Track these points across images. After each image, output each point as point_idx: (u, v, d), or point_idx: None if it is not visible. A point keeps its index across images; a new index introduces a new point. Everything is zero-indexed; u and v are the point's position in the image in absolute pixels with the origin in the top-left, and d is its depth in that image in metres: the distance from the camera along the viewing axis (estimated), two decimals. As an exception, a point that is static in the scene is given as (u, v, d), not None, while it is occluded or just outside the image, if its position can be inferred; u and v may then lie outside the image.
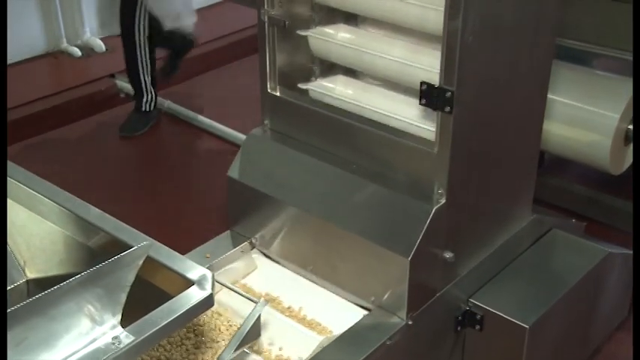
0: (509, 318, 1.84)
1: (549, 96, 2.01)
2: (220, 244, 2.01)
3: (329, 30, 1.93)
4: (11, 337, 1.12)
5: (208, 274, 1.36)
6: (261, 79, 1.96)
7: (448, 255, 1.77)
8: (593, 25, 2.44)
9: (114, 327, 1.26)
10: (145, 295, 1.31)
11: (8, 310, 1.11)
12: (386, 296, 1.77)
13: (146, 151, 3.38)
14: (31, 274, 1.60)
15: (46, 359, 1.18)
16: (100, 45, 4.02)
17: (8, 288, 1.56)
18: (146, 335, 1.24)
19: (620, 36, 2.36)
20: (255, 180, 1.97)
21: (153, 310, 1.27)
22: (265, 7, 1.87)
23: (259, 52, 1.94)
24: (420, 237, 1.69)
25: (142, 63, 3.29)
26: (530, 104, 1.91)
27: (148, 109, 3.43)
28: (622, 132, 2.27)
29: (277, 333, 1.76)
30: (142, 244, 1.29)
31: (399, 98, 1.86)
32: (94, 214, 1.48)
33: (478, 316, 1.88)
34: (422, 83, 1.64)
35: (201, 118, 3.52)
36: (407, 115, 1.79)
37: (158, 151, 3.39)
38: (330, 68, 2.00)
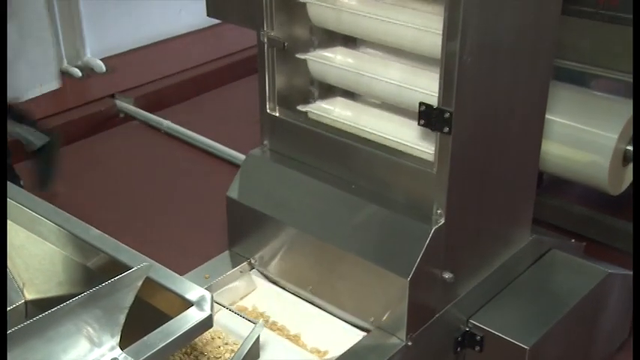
0: (509, 339, 1.83)
1: (547, 116, 2.02)
2: (219, 264, 2.01)
3: (327, 53, 1.95)
4: (10, 358, 1.11)
5: (207, 295, 1.35)
6: (260, 99, 1.97)
7: (447, 275, 1.77)
8: (590, 46, 2.46)
9: (112, 348, 1.26)
10: (143, 316, 1.30)
11: (7, 332, 1.11)
12: (385, 317, 1.76)
13: (145, 171, 3.38)
14: (30, 296, 1.60)
15: (44, 381, 1.18)
16: (100, 65, 4.04)
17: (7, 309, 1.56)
18: (145, 357, 1.23)
19: (617, 57, 2.37)
20: (255, 200, 1.97)
21: (151, 331, 1.27)
22: (265, 28, 1.89)
23: (259, 73, 1.95)
24: (420, 257, 1.69)
25: None
26: (528, 124, 1.92)
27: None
28: (620, 152, 2.27)
29: (276, 354, 1.75)
30: (142, 266, 1.29)
31: (398, 119, 1.87)
32: (94, 234, 1.48)
33: (478, 337, 1.87)
34: (421, 104, 1.65)
35: (200, 138, 3.53)
36: (406, 136, 1.80)
37: (157, 171, 3.39)
38: (329, 90, 2.01)
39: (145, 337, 1.26)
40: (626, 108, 2.26)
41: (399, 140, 1.80)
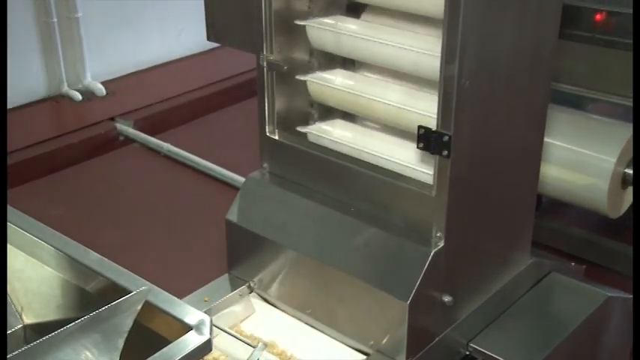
0: (509, 362, 1.82)
1: (546, 139, 2.02)
2: (219, 287, 2.01)
3: (327, 75, 1.96)
4: (8, 383, 1.11)
5: (206, 318, 1.35)
6: (260, 122, 1.98)
7: (447, 299, 1.77)
8: (587, 70, 2.48)
9: (111, 373, 1.25)
10: (142, 340, 1.30)
11: (6, 357, 1.10)
12: (385, 340, 1.75)
13: (145, 193, 3.38)
14: (29, 320, 1.59)
15: (42, 406, 1.17)
16: (100, 89, 4.06)
17: (5, 333, 1.55)
18: (144, 381, 1.22)
19: (613, 81, 2.39)
20: (254, 223, 1.97)
21: (150, 355, 1.26)
22: (264, 52, 1.90)
23: (258, 96, 1.96)
24: (419, 280, 1.69)
25: None
26: (527, 147, 1.93)
27: None
28: (619, 175, 2.28)
29: (275, 378, 1.74)
30: (141, 290, 1.29)
31: (397, 142, 1.88)
32: (93, 258, 1.48)
33: (478, 361, 1.86)
34: (419, 127, 1.65)
35: (200, 160, 3.54)
36: (405, 158, 1.80)
37: (157, 194, 3.39)
38: (329, 112, 2.02)
39: (144, 362, 1.25)
40: (624, 131, 2.27)
41: (398, 163, 1.80)
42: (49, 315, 1.55)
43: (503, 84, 1.73)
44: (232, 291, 1.98)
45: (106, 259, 1.49)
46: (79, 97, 4.00)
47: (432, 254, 1.70)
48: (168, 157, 3.64)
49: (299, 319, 1.93)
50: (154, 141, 3.75)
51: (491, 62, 1.67)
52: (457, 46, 1.54)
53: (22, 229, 1.56)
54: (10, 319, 1.58)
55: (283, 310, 1.97)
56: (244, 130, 3.65)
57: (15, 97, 3.75)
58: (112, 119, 3.85)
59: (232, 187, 3.26)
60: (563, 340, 1.91)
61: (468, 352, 1.88)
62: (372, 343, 1.78)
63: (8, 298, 1.58)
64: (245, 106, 4.10)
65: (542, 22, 1.77)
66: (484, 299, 1.92)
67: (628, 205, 2.39)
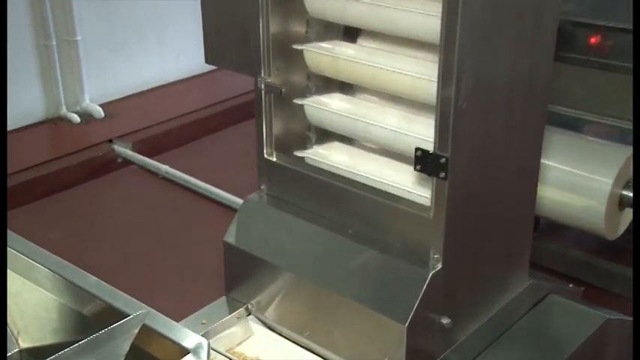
0: (508, 385, 1.81)
1: (543, 161, 2.03)
2: (216, 310, 2.00)
3: (324, 99, 1.97)
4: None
5: (204, 342, 1.35)
6: (258, 144, 1.99)
7: (445, 321, 1.76)
8: (582, 92, 2.49)
9: (108, 397, 1.25)
10: (139, 364, 1.29)
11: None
12: (383, 363, 1.75)
13: (143, 215, 3.38)
14: (25, 344, 1.58)
15: None
16: (98, 111, 4.07)
17: (1, 357, 1.54)
18: (140, 406, 1.22)
19: (608, 103, 2.41)
20: (252, 245, 1.97)
21: (147, 379, 1.26)
22: (262, 75, 1.91)
23: (256, 119, 1.97)
24: (417, 303, 1.68)
25: None
26: (524, 169, 1.93)
27: None
28: (616, 197, 2.28)
29: (273, 402, 1.73)
30: (138, 313, 1.28)
31: (394, 164, 1.88)
32: (90, 281, 1.48)
33: (477, 384, 1.85)
34: (417, 149, 1.66)
35: (198, 182, 3.54)
36: (402, 180, 1.81)
37: (155, 216, 3.39)
38: (326, 134, 2.03)
39: (141, 386, 1.24)
40: (620, 153, 2.28)
41: (395, 185, 1.81)
42: (46, 339, 1.54)
43: (500, 106, 1.74)
44: (230, 313, 1.97)
45: (103, 282, 1.48)
46: (77, 119, 4.01)
47: (429, 276, 1.70)
48: (167, 179, 3.64)
49: (297, 342, 1.92)
50: (152, 163, 3.76)
51: (487, 84, 1.68)
52: (454, 68, 1.55)
53: (18, 252, 1.56)
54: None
55: (281, 333, 1.96)
56: (242, 152, 3.66)
57: (13, 119, 3.75)
58: (110, 141, 3.86)
59: (230, 209, 3.26)
60: (563, 362, 1.90)
61: (466, 375, 1.87)
62: (370, 366, 1.77)
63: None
64: (243, 127, 4.12)
65: (538, 45, 1.79)
66: (482, 321, 1.92)
67: (626, 227, 2.39)
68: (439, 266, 1.71)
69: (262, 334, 1.97)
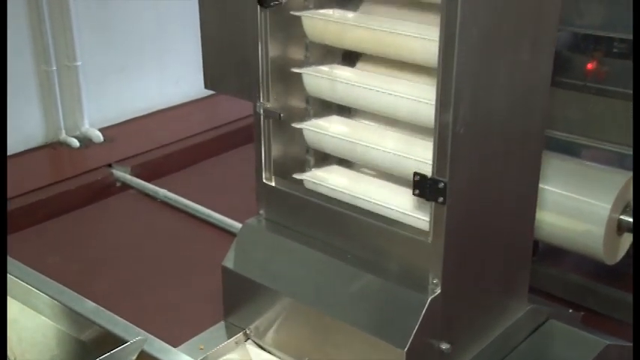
0: (508, 412, 1.80)
1: (541, 185, 2.03)
2: (214, 335, 1.99)
3: (323, 122, 1.97)
4: None
5: (202, 368, 1.34)
6: (256, 169, 1.99)
7: (444, 346, 1.75)
8: (579, 117, 2.51)
9: None
10: (137, 390, 1.28)
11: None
12: (382, 389, 1.73)
13: (142, 239, 3.37)
14: (22, 369, 1.58)
15: None
16: (98, 136, 4.08)
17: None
18: None
19: (605, 128, 2.42)
20: (250, 270, 1.97)
21: (145, 406, 1.25)
22: (261, 100, 1.92)
23: (255, 143, 1.97)
24: (416, 328, 1.67)
25: None
26: (522, 193, 1.93)
27: None
28: (614, 222, 2.28)
29: None
30: (137, 339, 1.28)
31: (393, 188, 1.88)
32: (88, 307, 1.48)
33: (477, 410, 1.84)
34: (415, 174, 1.66)
35: (196, 206, 3.53)
36: (401, 205, 1.81)
37: (154, 240, 3.38)
38: (325, 158, 2.03)
39: (138, 412, 1.23)
40: (618, 178, 2.28)
41: (394, 209, 1.81)
42: (43, 365, 1.53)
43: (498, 131, 1.75)
44: (228, 339, 1.96)
45: (102, 308, 1.48)
46: (76, 143, 4.01)
47: (428, 301, 1.69)
48: (165, 203, 3.64)
49: (295, 368, 1.91)
50: (150, 187, 3.75)
51: (485, 109, 1.68)
52: (451, 93, 1.56)
53: (17, 277, 1.55)
54: (3, 368, 1.56)
55: (280, 358, 1.95)
56: (241, 176, 3.65)
57: (13, 144, 3.76)
58: (109, 166, 3.86)
59: (229, 233, 3.26)
60: (563, 388, 1.89)
61: (466, 401, 1.85)
62: (369, 391, 1.76)
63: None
64: (242, 152, 4.12)
65: (535, 71, 1.80)
66: (482, 347, 1.91)
67: (625, 252, 2.39)
68: (438, 291, 1.71)
69: (261, 360, 1.96)
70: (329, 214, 1.89)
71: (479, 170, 1.73)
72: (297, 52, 1.95)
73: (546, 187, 2.28)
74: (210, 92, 4.50)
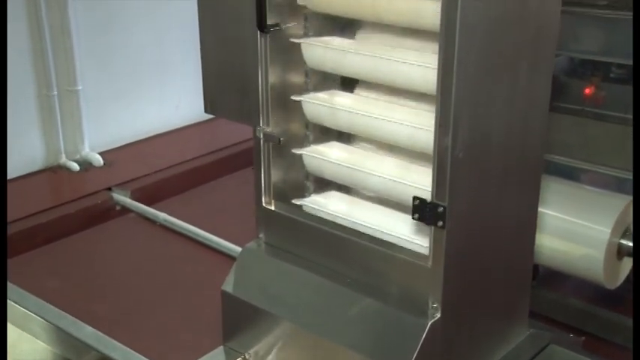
0: None
1: (540, 209, 2.03)
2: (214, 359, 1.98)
3: (322, 148, 1.98)
4: None
5: (201, 393, 1.33)
6: (256, 193, 2.00)
7: (445, 371, 1.75)
8: (577, 142, 2.52)
9: None
10: (135, 417, 1.28)
11: None
12: (382, 415, 1.72)
13: (141, 263, 3.36)
14: (19, 395, 1.57)
15: None
16: (98, 159, 4.09)
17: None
18: None
19: (603, 153, 2.43)
20: (250, 294, 1.96)
21: None
22: (261, 124, 1.93)
23: (254, 168, 1.98)
24: (416, 352, 1.67)
25: None
26: (521, 216, 1.94)
27: None
28: (614, 246, 2.28)
29: None
30: (134, 364, 1.27)
31: (392, 213, 1.89)
32: (87, 332, 1.47)
33: None
34: (414, 198, 1.67)
35: (196, 230, 3.53)
36: (400, 229, 1.81)
37: (153, 264, 3.37)
38: (324, 183, 2.04)
39: None
40: (617, 202, 2.29)
41: (393, 234, 1.81)
42: (41, 391, 1.52)
43: (497, 155, 1.76)
44: (227, 364, 1.95)
45: (101, 333, 1.47)
46: (76, 167, 4.02)
47: (428, 326, 1.69)
48: (165, 227, 3.64)
49: (295, 393, 1.90)
50: (150, 211, 3.75)
51: (484, 134, 1.69)
52: (450, 118, 1.57)
53: (14, 302, 1.55)
54: (0, 394, 1.55)
55: (279, 384, 1.94)
56: (241, 200, 3.65)
57: (13, 168, 3.77)
58: (109, 189, 3.86)
59: (228, 257, 3.25)
60: (564, 414, 1.88)
61: None
62: (369, 417, 1.75)
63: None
64: (241, 175, 4.12)
65: (533, 95, 1.81)
66: (482, 372, 1.90)
67: (625, 276, 2.39)
68: (438, 315, 1.70)
69: (260, 385, 1.95)
70: (329, 238, 1.89)
71: (478, 194, 1.73)
72: (296, 77, 1.96)
73: (546, 210, 2.28)
74: (210, 116, 4.52)
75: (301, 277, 1.91)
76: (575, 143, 2.52)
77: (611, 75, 2.59)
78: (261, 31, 1.84)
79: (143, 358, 1.37)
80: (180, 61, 4.45)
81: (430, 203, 1.64)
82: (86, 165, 4.07)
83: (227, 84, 2.20)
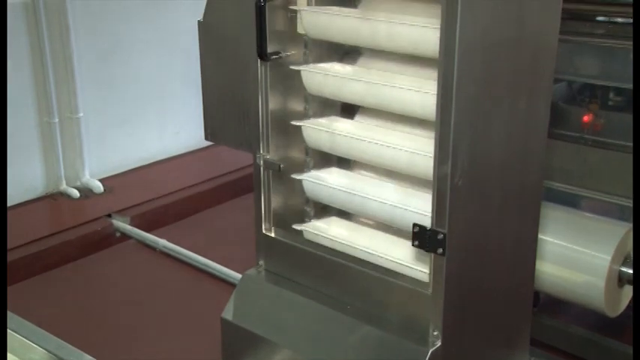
0: None
1: (540, 236, 2.03)
2: (213, 388, 1.97)
3: (322, 174, 1.98)
4: None
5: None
6: (256, 220, 1.99)
7: (446, 400, 1.73)
8: (576, 169, 2.53)
9: None
10: None
11: None
12: None
13: (141, 290, 3.36)
14: None
15: None
16: (98, 186, 4.09)
17: None
18: None
19: (602, 180, 2.43)
20: (250, 322, 1.95)
21: None
22: (261, 151, 1.93)
23: (255, 195, 1.98)
24: (417, 381, 1.66)
25: None
26: (521, 243, 1.93)
27: None
28: (615, 273, 2.28)
29: None
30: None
31: (392, 239, 1.88)
32: (85, 360, 1.46)
33: None
34: (414, 225, 1.66)
35: (196, 257, 3.53)
36: (400, 256, 1.81)
37: (153, 291, 3.36)
38: (324, 209, 2.04)
39: None
40: (617, 229, 2.29)
41: (393, 260, 1.81)
42: (39, 420, 1.51)
43: (496, 182, 1.76)
44: (227, 392, 1.94)
45: (99, 361, 1.46)
46: (76, 194, 4.03)
47: (429, 353, 1.67)
48: (165, 253, 3.63)
49: (295, 422, 1.88)
50: (150, 237, 3.75)
51: (483, 161, 1.70)
52: (449, 146, 1.58)
53: (13, 330, 1.54)
54: None
55: (278, 413, 1.92)
56: (240, 227, 3.65)
57: (13, 194, 3.78)
58: (109, 216, 3.87)
59: (228, 284, 3.24)
60: None
61: None
62: None
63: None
64: (241, 202, 4.13)
65: (532, 121, 1.82)
66: (484, 400, 1.88)
67: (626, 304, 2.38)
68: (439, 343, 1.69)
69: (259, 414, 1.93)
70: (329, 265, 1.89)
71: (478, 221, 1.73)
72: (296, 104, 1.97)
73: (546, 238, 2.28)
74: (210, 143, 4.54)
75: (301, 305, 1.90)
76: (575, 170, 2.53)
77: (609, 102, 2.61)
78: (262, 59, 1.85)
79: (142, 386, 1.36)
80: (180, 89, 4.48)
81: (430, 230, 1.64)
82: (86, 192, 4.08)
83: (227, 111, 2.21)
